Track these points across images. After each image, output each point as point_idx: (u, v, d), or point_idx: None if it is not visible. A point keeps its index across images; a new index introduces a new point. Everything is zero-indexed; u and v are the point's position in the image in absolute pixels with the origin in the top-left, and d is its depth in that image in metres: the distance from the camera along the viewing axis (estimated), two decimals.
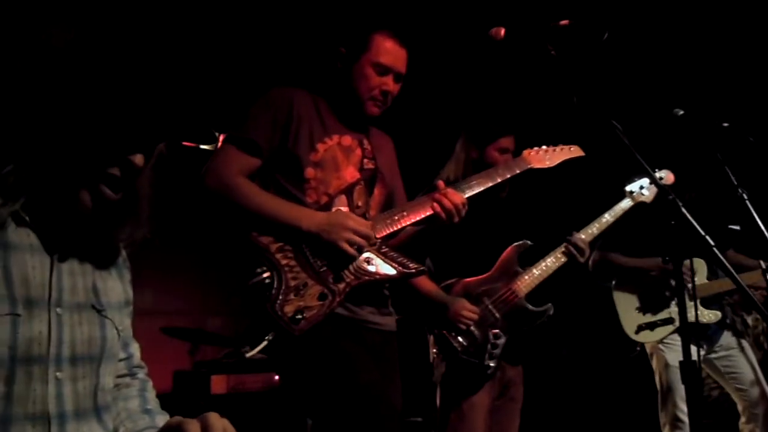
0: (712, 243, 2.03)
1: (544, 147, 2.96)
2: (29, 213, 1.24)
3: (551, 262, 3.13)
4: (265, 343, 2.17)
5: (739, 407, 3.68)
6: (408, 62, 2.54)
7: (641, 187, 3.29)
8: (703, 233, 2.04)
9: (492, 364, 2.96)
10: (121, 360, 1.49)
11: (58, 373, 1.25)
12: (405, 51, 2.52)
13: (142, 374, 1.59)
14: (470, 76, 5.05)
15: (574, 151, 3.02)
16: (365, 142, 2.53)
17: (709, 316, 3.64)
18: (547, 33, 2.18)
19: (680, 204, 2.07)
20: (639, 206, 3.30)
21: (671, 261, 3.16)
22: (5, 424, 1.18)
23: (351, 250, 2.27)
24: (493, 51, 2.32)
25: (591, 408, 5.15)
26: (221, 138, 2.38)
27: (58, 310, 1.27)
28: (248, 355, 2.20)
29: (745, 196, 2.61)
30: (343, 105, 2.51)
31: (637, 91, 4.46)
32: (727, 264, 2.03)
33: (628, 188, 3.31)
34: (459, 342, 2.95)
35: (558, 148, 2.98)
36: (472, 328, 2.93)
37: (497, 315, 3.02)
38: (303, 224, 2.27)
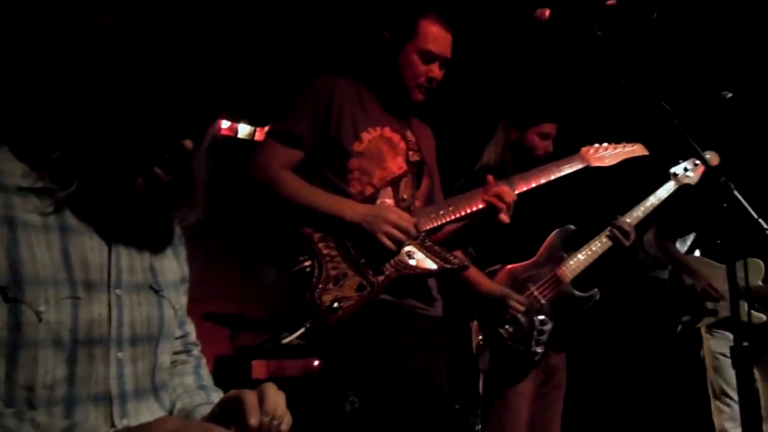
0: (765, 226, 1.97)
1: (604, 144, 2.87)
2: (85, 196, 1.24)
3: (596, 246, 3.09)
4: (302, 330, 2.17)
5: (762, 405, 3.64)
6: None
7: (686, 169, 3.23)
8: (755, 216, 1.99)
9: (539, 351, 2.94)
10: (177, 338, 1.50)
11: (119, 354, 1.26)
12: (451, 35, 2.47)
13: (196, 351, 1.60)
14: (515, 58, 4.96)
15: (637, 150, 2.95)
16: (408, 133, 2.51)
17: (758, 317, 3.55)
18: (594, 13, 2.12)
19: (732, 187, 2.02)
20: (684, 189, 3.25)
21: (723, 248, 3.17)
22: (70, 405, 1.19)
23: (390, 244, 2.25)
24: (539, 32, 2.27)
25: (635, 394, 5.08)
26: (265, 129, 2.37)
27: (118, 291, 1.27)
28: (285, 341, 2.22)
29: None
30: (387, 93, 2.49)
31: (685, 73, 4.35)
32: None
33: (672, 170, 3.25)
34: (505, 329, 2.92)
35: (620, 146, 2.90)
36: (520, 316, 2.91)
37: (543, 301, 2.99)
38: (346, 215, 2.26)
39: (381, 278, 2.25)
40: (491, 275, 3.01)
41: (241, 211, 2.92)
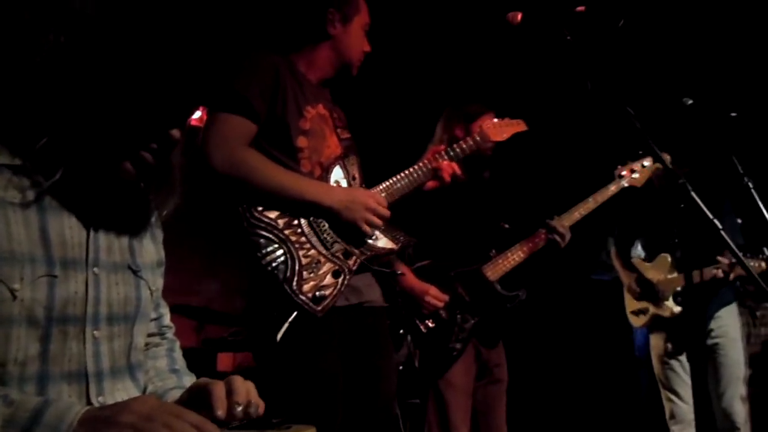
0: (719, 226, 2.00)
1: (496, 119, 2.86)
2: (68, 181, 1.21)
3: (527, 246, 3.09)
4: (287, 324, 2.07)
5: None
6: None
7: (632, 171, 3.23)
8: (711, 216, 2.01)
9: (457, 347, 2.95)
10: (152, 320, 1.51)
11: (95, 332, 1.26)
12: None
13: (170, 334, 1.61)
14: (484, 60, 4.83)
15: (519, 126, 2.89)
16: (334, 112, 2.43)
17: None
18: (564, 19, 2.14)
19: (690, 188, 2.03)
20: (628, 191, 3.26)
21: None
22: (43, 382, 1.18)
23: (369, 230, 2.23)
24: (510, 35, 2.25)
25: (580, 387, 5.12)
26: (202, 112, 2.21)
27: (95, 269, 1.27)
28: (279, 335, 2.09)
29: (751, 185, 2.55)
30: (317, 72, 2.41)
31: (649, 79, 4.34)
32: (735, 248, 2.02)
33: (617, 172, 3.25)
34: (425, 325, 2.94)
35: (506, 121, 2.86)
36: (440, 311, 2.92)
37: (467, 298, 3.00)
38: (324, 200, 2.18)
39: (351, 262, 2.21)
40: (420, 271, 3.01)
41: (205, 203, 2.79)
